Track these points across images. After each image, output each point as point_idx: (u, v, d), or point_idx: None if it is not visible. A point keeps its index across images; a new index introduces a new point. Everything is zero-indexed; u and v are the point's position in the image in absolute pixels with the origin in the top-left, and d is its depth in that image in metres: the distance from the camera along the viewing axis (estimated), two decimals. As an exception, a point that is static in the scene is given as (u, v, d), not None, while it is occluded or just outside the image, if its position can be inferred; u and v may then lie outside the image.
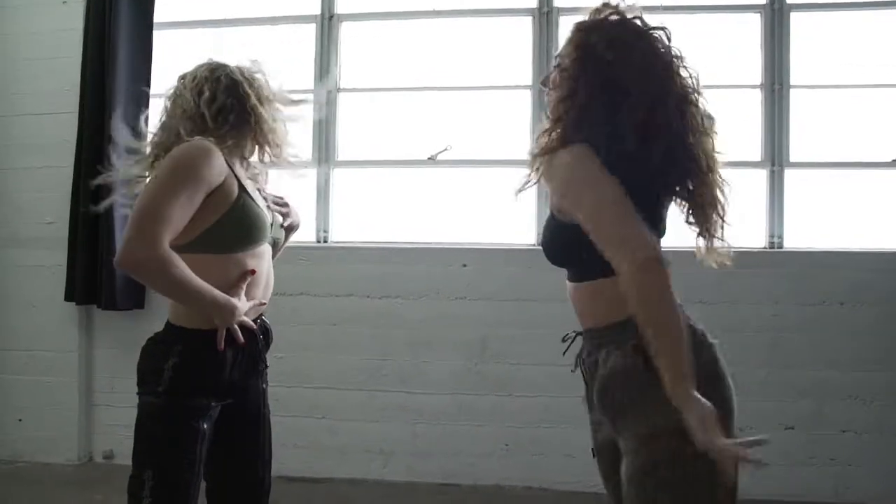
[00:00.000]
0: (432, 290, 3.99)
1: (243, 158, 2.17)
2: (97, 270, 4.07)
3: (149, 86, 4.04)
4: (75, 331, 4.21)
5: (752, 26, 4.02)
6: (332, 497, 3.82)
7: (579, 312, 1.87)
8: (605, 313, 1.76)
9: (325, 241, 4.22)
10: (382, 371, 4.01)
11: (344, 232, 4.23)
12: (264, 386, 2.20)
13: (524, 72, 4.10)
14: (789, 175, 3.91)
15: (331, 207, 4.22)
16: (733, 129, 3.95)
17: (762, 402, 3.71)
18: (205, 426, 2.01)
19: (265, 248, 2.13)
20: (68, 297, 4.14)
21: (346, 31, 4.25)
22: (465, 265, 3.98)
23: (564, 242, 1.80)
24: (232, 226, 2.01)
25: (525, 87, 4.09)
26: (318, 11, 4.22)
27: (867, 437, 3.70)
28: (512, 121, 4.11)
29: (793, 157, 3.93)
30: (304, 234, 4.23)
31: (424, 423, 3.97)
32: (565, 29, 4.08)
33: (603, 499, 1.94)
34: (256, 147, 2.17)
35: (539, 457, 3.88)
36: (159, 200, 1.90)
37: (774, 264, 3.83)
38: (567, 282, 1.90)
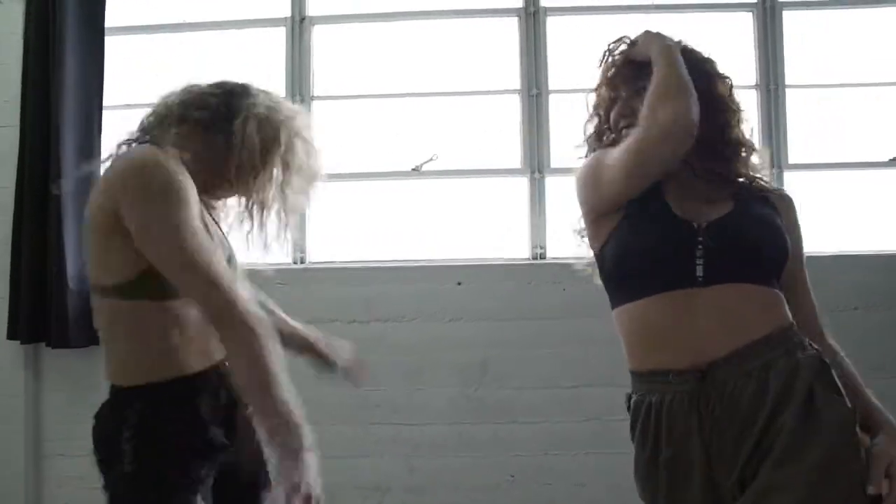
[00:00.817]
0: (424, 312, 3.71)
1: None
2: (45, 303, 3.64)
3: (101, 98, 3.69)
4: (20, 372, 3.75)
5: (745, 25, 3.93)
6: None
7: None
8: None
9: (303, 262, 3.90)
10: (373, 401, 3.69)
11: (323, 252, 3.92)
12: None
13: (512, 75, 3.90)
14: (788, 178, 3.79)
15: (307, 225, 3.91)
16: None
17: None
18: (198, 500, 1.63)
19: None
20: (11, 334, 3.69)
21: (318, 34, 3.95)
22: (459, 283, 3.71)
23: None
24: None
25: (513, 91, 3.88)
26: (288, 14, 3.91)
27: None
28: (501, 127, 3.90)
29: (791, 159, 3.82)
30: (279, 256, 3.94)
31: (421, 455, 3.66)
32: (553, 29, 3.98)
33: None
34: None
35: (547, 486, 3.63)
36: (185, 238, 1.56)
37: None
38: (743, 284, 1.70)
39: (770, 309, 1.68)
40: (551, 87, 3.86)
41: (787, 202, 1.85)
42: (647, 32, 1.85)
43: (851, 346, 3.48)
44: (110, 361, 1.67)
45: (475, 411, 3.67)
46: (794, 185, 3.77)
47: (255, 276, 2.06)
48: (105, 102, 3.72)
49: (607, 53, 1.93)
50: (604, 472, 3.51)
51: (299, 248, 3.87)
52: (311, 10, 3.94)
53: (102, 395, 1.73)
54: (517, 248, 3.82)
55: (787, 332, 1.67)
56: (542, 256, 3.80)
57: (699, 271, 1.66)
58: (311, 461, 1.49)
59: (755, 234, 1.71)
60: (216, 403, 1.70)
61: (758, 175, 1.85)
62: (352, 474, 3.67)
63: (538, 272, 3.70)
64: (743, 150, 1.84)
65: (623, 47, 1.90)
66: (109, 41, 3.75)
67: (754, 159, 1.86)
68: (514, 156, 3.86)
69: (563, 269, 3.75)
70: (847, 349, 3.59)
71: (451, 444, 3.67)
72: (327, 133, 3.91)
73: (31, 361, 3.78)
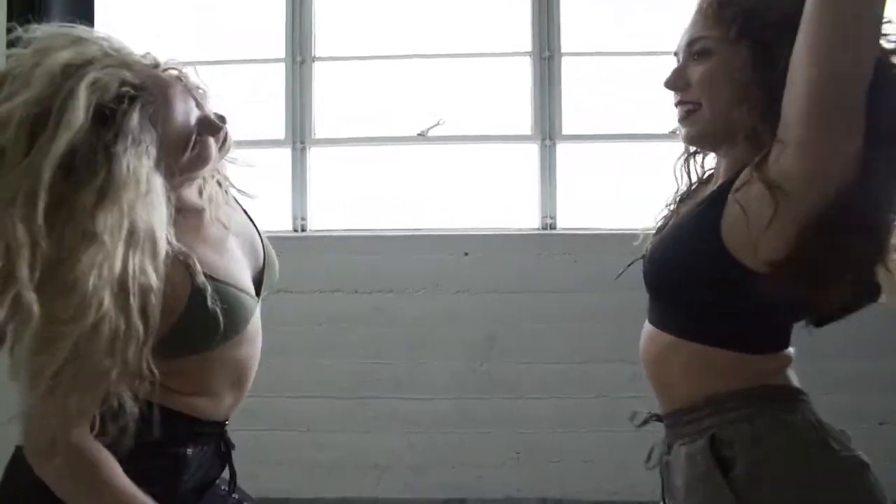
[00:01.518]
0: (430, 283, 3.57)
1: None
2: None
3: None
4: None
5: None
6: (321, 520, 3.41)
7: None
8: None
9: (304, 230, 3.77)
10: (375, 376, 3.59)
11: (324, 219, 3.79)
12: None
13: (523, 36, 3.72)
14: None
15: (308, 191, 3.78)
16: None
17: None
18: None
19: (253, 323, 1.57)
20: None
21: (320, -8, 3.80)
22: (466, 254, 3.57)
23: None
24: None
25: (524, 53, 3.71)
26: (288, -30, 3.76)
27: None
28: (511, 91, 3.73)
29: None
30: (280, 223, 3.84)
31: (423, 432, 3.55)
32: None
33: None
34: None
35: (554, 464, 3.52)
36: None
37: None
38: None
39: (690, 371, 1.39)
40: (564, 49, 3.69)
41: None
42: None
43: (877, 326, 3.41)
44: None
45: (480, 387, 3.55)
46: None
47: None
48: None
49: None
50: (612, 450, 3.40)
51: (299, 214, 3.75)
52: (313, -34, 3.78)
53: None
54: (527, 218, 3.68)
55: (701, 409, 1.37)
56: (553, 227, 3.66)
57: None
58: None
59: (652, 268, 1.45)
60: None
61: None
62: (350, 451, 3.57)
63: (548, 243, 3.56)
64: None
65: None
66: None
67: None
68: (524, 122, 3.71)
69: (575, 240, 3.65)
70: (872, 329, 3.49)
71: (455, 420, 3.56)
72: (329, 95, 3.80)
73: None
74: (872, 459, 3.56)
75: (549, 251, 3.55)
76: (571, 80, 3.69)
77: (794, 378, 1.40)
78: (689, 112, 1.40)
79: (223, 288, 1.42)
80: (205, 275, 1.38)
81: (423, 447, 3.57)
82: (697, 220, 1.35)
